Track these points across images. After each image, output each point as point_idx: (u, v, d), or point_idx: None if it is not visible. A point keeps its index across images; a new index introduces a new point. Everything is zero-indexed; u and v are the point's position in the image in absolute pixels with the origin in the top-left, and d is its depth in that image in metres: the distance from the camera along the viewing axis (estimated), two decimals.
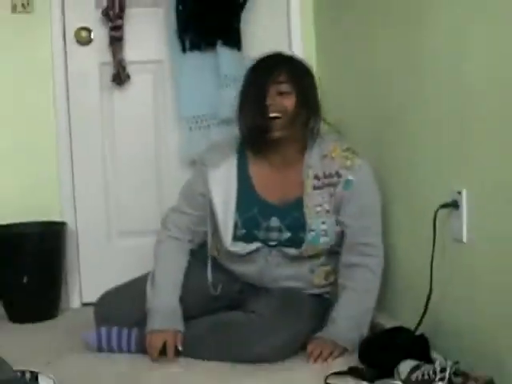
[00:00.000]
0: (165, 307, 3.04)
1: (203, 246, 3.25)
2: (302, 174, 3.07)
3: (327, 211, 3.06)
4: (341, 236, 3.10)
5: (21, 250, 3.66)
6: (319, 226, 3.05)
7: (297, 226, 3.06)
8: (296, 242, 3.07)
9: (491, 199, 2.43)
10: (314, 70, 3.93)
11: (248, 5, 3.88)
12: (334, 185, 3.04)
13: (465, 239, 2.59)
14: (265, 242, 3.10)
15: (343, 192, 3.04)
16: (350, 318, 3.04)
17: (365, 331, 3.02)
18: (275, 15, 4.03)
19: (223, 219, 3.08)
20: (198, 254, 3.24)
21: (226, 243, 3.08)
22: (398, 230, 3.18)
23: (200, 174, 3.18)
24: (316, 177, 3.05)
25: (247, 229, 3.09)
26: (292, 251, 3.09)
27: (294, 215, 3.06)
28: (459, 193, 2.59)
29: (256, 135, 3.03)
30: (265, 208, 3.09)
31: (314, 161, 3.06)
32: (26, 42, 3.86)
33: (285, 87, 2.99)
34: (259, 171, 3.13)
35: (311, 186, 3.05)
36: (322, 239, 3.07)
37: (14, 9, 3.82)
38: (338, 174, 3.04)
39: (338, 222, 3.08)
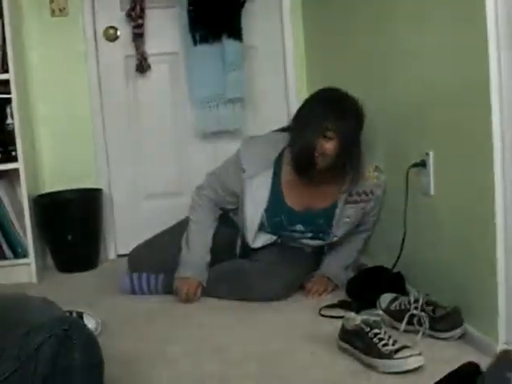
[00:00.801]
0: (194, 261, 3.01)
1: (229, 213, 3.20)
2: (334, 189, 2.97)
3: (353, 222, 3.02)
4: None
5: (65, 213, 3.64)
6: (342, 233, 3.02)
7: (319, 231, 3.02)
8: (316, 239, 3.06)
9: (453, 159, 2.40)
10: (303, 54, 3.97)
11: (247, 3, 3.82)
12: (367, 201, 2.99)
13: (432, 192, 2.56)
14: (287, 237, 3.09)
15: (373, 205, 3.02)
16: (340, 261, 3.06)
17: (350, 272, 3.04)
18: (270, 11, 3.96)
19: (251, 220, 3.01)
20: (226, 219, 3.19)
21: (249, 241, 3.05)
22: None
23: (237, 176, 3.02)
24: (350, 194, 2.95)
25: (273, 230, 3.06)
26: (312, 242, 3.08)
27: (318, 223, 3.00)
28: (427, 154, 2.55)
29: (301, 165, 2.90)
30: (291, 215, 3.00)
31: (349, 181, 2.94)
32: (63, 40, 3.79)
33: (330, 134, 2.82)
34: (291, 185, 3.01)
35: (343, 201, 2.95)
36: (340, 238, 3.06)
37: (52, 13, 3.77)
38: (372, 192, 2.98)
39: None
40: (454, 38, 2.31)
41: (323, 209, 2.99)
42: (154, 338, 2.58)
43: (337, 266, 3.07)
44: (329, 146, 2.83)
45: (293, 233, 3.04)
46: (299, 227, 3.02)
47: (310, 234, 3.04)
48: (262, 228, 3.04)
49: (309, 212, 3.00)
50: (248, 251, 3.12)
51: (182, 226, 3.18)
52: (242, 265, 3.07)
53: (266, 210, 2.99)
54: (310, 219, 3.00)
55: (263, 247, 3.09)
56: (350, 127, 2.85)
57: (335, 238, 3.02)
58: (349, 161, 2.90)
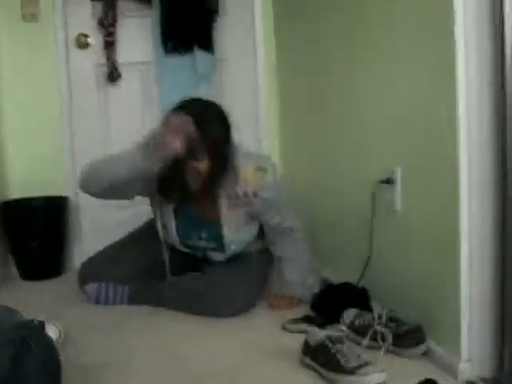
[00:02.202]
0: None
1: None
2: (217, 201, 2.91)
3: (245, 224, 2.98)
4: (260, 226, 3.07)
5: (30, 220, 3.61)
6: (237, 238, 3.00)
7: (218, 241, 3.01)
8: (217, 250, 3.06)
9: (419, 176, 2.42)
10: (274, 66, 3.99)
11: (220, 15, 3.85)
12: (251, 204, 2.88)
13: (399, 209, 2.58)
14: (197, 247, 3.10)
15: (261, 207, 2.92)
16: (298, 278, 3.04)
17: (315, 286, 3.02)
18: (242, 25, 3.99)
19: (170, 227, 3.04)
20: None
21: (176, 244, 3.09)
22: (343, 199, 3.16)
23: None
24: (229, 197, 2.88)
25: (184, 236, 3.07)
26: (218, 256, 3.08)
27: (214, 233, 2.99)
28: (393, 172, 2.57)
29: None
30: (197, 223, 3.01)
31: (228, 189, 2.88)
32: (34, 46, 3.77)
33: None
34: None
35: (226, 206, 2.90)
36: (241, 245, 3.04)
37: (23, 18, 3.75)
38: (255, 194, 2.86)
39: (258, 222, 3.03)
40: (422, 62, 2.34)
41: (214, 220, 2.96)
42: (118, 348, 2.57)
43: (293, 280, 3.04)
44: (198, 166, 2.77)
45: (199, 241, 3.06)
46: (203, 234, 3.03)
47: (213, 245, 3.04)
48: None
49: (204, 222, 3.00)
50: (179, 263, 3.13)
51: (140, 234, 3.22)
52: (198, 288, 3.01)
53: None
54: (209, 229, 3.01)
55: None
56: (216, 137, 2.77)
57: (233, 247, 3.02)
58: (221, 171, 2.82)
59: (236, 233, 2.98)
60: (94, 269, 3.13)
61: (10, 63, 3.76)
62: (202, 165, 2.76)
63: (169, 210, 3.00)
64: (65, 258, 3.75)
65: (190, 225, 3.02)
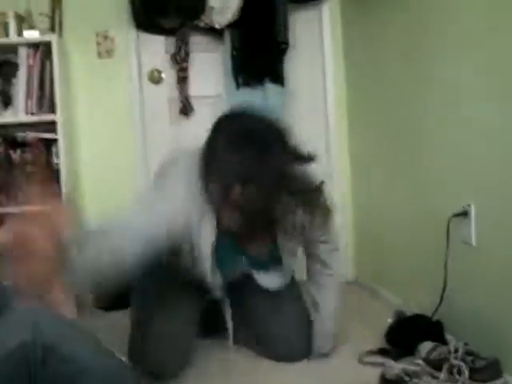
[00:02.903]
0: None
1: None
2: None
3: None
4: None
5: None
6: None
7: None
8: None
9: (495, 210, 2.43)
10: (345, 100, 4.03)
11: (290, 50, 3.92)
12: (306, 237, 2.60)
13: (474, 243, 2.59)
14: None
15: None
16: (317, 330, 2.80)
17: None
18: (312, 58, 4.07)
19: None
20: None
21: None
22: (416, 231, 3.17)
23: None
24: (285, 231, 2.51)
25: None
26: (270, 281, 2.76)
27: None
28: (469, 205, 2.59)
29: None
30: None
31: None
32: (108, 81, 3.92)
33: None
34: None
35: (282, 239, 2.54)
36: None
37: (99, 55, 3.90)
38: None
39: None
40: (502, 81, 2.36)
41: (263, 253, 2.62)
42: None
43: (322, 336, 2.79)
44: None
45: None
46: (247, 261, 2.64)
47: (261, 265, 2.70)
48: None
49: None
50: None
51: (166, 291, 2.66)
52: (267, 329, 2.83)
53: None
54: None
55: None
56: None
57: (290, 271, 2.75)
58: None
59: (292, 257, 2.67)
60: (160, 354, 2.59)
61: (85, 98, 3.91)
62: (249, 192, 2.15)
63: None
64: None
65: (228, 251, 2.53)
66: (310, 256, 2.73)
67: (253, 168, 2.09)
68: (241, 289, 2.78)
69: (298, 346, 2.78)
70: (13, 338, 1.52)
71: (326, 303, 2.77)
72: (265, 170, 2.10)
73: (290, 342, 2.77)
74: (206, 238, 2.35)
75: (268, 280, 2.73)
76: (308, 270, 2.77)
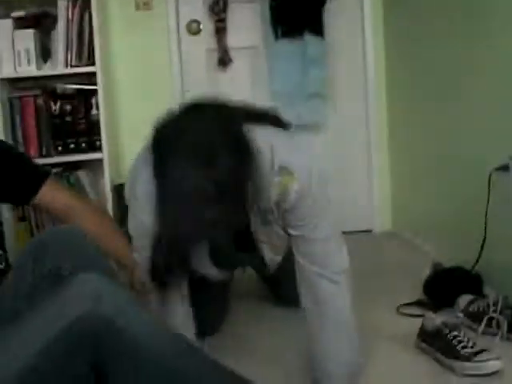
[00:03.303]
0: None
1: None
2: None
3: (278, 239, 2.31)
4: None
5: None
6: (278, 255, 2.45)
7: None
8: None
9: None
10: (384, 53, 4.00)
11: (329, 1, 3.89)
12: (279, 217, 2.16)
13: None
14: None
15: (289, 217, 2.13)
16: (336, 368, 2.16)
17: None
18: (351, 10, 4.03)
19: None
20: None
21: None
22: (458, 184, 3.17)
23: None
24: (255, 214, 2.15)
25: None
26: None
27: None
28: (510, 159, 2.57)
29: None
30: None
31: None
32: (146, 33, 3.93)
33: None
34: None
35: (257, 226, 2.22)
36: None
37: (137, 7, 3.91)
38: (277, 206, 2.08)
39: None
40: None
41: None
42: None
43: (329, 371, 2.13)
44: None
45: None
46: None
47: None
48: None
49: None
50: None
51: None
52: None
53: None
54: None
55: None
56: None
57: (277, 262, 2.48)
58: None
59: (276, 252, 2.42)
60: None
61: (123, 51, 3.93)
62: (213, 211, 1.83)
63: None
64: None
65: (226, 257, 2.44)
66: (299, 254, 2.15)
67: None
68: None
69: None
70: (74, 309, 1.53)
71: (335, 351, 2.12)
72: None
73: None
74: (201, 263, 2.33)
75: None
76: (299, 280, 2.17)
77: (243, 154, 1.86)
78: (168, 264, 1.98)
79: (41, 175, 2.25)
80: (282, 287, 2.79)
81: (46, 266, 1.80)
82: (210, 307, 2.57)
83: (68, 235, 1.87)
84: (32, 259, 1.82)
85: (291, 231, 2.13)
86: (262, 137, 1.96)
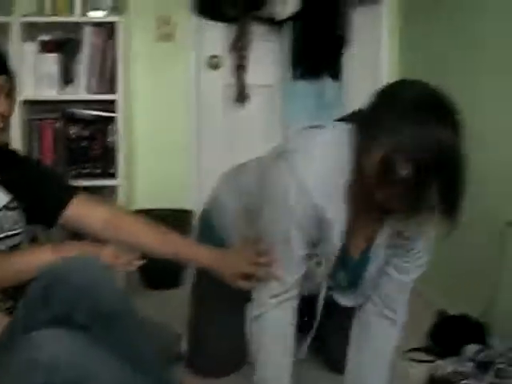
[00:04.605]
0: None
1: None
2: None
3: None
4: None
5: None
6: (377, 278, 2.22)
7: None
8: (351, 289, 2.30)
9: None
10: None
11: (349, 45, 3.96)
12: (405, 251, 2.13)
13: None
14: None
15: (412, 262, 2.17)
16: None
17: None
18: (368, 54, 4.12)
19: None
20: None
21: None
22: (471, 236, 3.05)
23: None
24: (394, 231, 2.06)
25: None
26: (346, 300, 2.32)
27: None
28: None
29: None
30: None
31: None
32: (167, 65, 4.01)
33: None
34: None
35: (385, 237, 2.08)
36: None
37: (159, 38, 4.00)
38: (413, 245, 2.11)
39: None
40: None
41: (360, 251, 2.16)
42: None
43: None
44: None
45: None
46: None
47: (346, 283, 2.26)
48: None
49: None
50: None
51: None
52: None
53: None
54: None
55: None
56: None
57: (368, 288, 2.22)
58: None
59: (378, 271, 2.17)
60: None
61: (144, 81, 4.00)
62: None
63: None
64: (183, 268, 3.90)
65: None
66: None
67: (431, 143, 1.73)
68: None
69: None
70: (25, 380, 1.37)
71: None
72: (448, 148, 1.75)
73: None
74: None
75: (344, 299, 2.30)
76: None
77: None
78: None
79: (69, 190, 2.14)
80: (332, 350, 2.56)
81: (54, 310, 1.55)
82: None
83: (85, 266, 1.62)
84: (40, 299, 1.57)
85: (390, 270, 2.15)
86: None
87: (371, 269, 2.13)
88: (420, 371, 2.49)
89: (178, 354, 2.56)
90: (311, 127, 2.05)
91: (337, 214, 1.95)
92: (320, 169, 1.92)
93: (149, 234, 2.12)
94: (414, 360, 2.73)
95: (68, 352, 1.42)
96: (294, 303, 2.11)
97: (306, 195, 1.91)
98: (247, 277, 2.08)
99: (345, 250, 2.08)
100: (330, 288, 2.21)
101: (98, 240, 2.02)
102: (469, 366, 2.51)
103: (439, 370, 2.36)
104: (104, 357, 1.51)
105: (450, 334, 2.84)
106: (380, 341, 2.19)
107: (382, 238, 2.06)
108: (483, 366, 2.50)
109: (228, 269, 2.09)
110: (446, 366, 2.37)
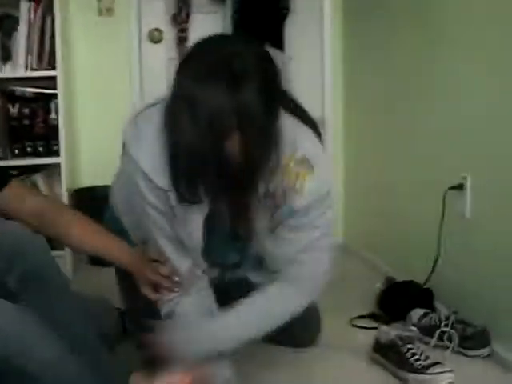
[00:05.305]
0: None
1: None
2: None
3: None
4: None
5: (101, 208, 3.70)
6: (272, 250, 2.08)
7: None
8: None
9: (491, 183, 2.48)
10: (342, 70, 4.05)
11: (290, 15, 3.93)
12: (277, 207, 1.93)
13: (468, 215, 2.64)
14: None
15: (282, 218, 1.95)
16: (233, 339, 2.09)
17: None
18: (311, 21, 4.09)
19: None
20: None
21: None
22: (411, 201, 3.22)
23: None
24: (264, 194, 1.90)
25: None
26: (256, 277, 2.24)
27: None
28: (464, 177, 2.63)
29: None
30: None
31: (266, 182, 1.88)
32: (108, 39, 3.95)
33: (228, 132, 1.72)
34: None
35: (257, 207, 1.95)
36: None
37: (99, 12, 3.92)
38: (284, 196, 1.90)
39: None
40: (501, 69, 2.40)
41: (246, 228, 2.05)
42: None
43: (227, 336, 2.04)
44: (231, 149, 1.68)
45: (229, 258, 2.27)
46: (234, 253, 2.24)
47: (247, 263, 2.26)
48: None
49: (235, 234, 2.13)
50: None
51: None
52: None
53: None
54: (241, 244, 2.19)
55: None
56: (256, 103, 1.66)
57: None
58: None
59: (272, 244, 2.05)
60: None
61: (85, 57, 3.94)
62: (232, 143, 1.68)
63: (196, 219, 1.94)
64: None
65: (218, 241, 2.09)
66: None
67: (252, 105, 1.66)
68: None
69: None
70: None
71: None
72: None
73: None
74: (193, 226, 1.95)
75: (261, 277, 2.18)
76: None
77: (274, 96, 1.73)
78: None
79: (1, 176, 2.10)
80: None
81: None
82: None
83: (21, 238, 1.68)
84: None
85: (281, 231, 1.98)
86: (293, 124, 1.89)
87: (264, 245, 2.04)
88: (367, 337, 2.51)
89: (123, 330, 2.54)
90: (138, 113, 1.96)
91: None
92: (149, 149, 1.83)
93: (77, 228, 2.06)
94: (361, 327, 2.76)
95: (9, 324, 1.43)
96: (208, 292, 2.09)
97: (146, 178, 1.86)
98: (155, 285, 2.05)
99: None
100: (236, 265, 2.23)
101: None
102: (413, 331, 2.53)
103: (384, 335, 2.36)
104: (40, 329, 1.52)
105: (397, 300, 2.86)
106: (272, 301, 2.04)
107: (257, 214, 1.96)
108: (427, 330, 2.54)
109: (142, 274, 2.06)
110: (391, 331, 2.37)
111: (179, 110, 1.68)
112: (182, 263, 2.00)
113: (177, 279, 2.00)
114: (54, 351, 1.51)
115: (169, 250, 1.98)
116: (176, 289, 2.01)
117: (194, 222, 1.92)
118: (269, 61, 1.75)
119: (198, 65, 1.69)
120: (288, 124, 1.82)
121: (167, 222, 1.94)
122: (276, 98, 1.75)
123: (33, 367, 1.44)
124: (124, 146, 1.93)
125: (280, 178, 1.87)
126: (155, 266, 2.02)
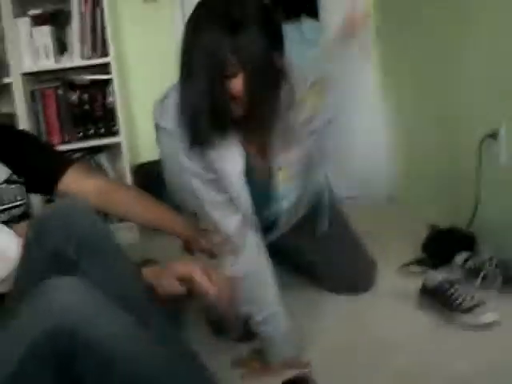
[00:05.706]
0: None
1: None
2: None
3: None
4: None
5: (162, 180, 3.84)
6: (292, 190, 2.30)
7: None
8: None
9: None
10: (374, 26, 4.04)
11: None
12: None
13: (503, 162, 2.72)
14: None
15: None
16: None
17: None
18: None
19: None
20: None
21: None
22: (449, 150, 3.24)
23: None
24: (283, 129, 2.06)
25: None
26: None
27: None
28: (499, 128, 2.70)
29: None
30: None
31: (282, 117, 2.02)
32: (153, 25, 4.06)
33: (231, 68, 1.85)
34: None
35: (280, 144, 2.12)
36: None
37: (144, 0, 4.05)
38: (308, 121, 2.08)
39: None
40: None
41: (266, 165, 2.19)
42: None
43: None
44: (235, 86, 1.84)
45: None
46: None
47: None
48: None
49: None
50: None
51: None
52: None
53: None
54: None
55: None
56: (255, 44, 1.82)
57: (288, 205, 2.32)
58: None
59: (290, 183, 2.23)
60: None
61: (133, 41, 4.07)
62: (237, 82, 1.83)
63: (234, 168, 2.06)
64: None
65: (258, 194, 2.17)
66: None
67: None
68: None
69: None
70: (38, 325, 1.41)
71: None
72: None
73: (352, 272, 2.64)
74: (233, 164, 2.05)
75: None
76: None
77: (275, 38, 1.93)
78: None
79: (64, 162, 2.23)
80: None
81: (48, 248, 1.61)
82: None
83: (72, 210, 1.68)
84: (34, 241, 1.64)
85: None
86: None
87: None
88: (414, 282, 2.58)
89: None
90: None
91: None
92: (173, 114, 2.03)
93: (137, 206, 2.21)
94: (408, 272, 2.84)
95: (78, 298, 1.46)
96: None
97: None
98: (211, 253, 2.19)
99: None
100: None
101: None
102: (458, 274, 2.62)
103: (431, 280, 2.46)
104: (106, 301, 1.54)
105: (441, 246, 2.93)
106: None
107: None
108: (472, 273, 2.62)
109: (196, 244, 2.24)
110: (437, 275, 2.46)
111: (185, 53, 1.93)
112: (229, 223, 2.10)
113: (228, 244, 2.11)
114: (124, 327, 1.52)
115: (215, 215, 2.10)
116: (230, 252, 2.12)
117: (233, 173, 2.04)
118: (267, 9, 1.93)
119: (200, 12, 1.86)
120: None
121: (210, 187, 2.07)
122: (276, 39, 1.94)
123: (105, 345, 1.44)
124: (155, 125, 2.16)
125: (296, 114, 2.02)
126: (207, 234, 2.16)
